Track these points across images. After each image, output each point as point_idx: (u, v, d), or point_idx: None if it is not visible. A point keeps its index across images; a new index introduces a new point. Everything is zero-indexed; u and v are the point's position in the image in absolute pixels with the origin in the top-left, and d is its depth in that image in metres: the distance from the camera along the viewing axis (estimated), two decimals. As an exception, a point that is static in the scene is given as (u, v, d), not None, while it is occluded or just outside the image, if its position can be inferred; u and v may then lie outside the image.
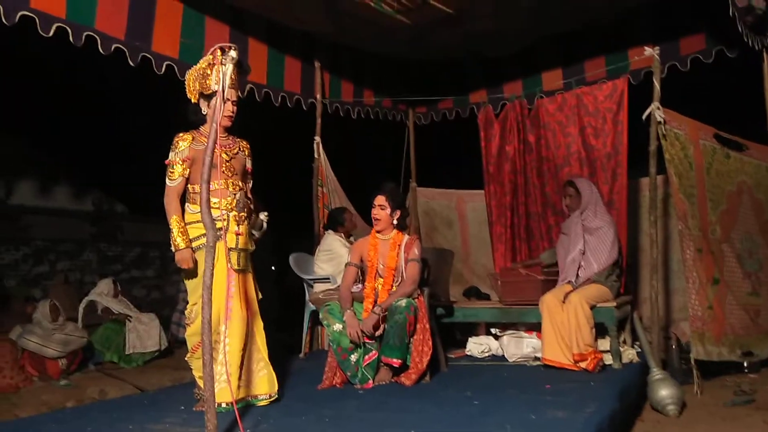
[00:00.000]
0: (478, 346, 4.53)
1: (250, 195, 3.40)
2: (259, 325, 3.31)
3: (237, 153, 3.32)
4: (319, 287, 4.92)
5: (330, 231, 5.11)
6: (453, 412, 2.94)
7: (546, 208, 5.12)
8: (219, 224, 3.09)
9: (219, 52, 2.79)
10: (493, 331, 4.62)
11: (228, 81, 2.72)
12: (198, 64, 3.14)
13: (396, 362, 3.60)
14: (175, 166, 3.18)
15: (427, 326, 3.71)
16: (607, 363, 4.01)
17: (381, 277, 3.84)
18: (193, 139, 3.20)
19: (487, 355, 4.53)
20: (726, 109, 5.69)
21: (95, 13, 3.89)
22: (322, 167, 5.49)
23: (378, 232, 3.89)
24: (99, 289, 6.31)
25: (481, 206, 5.63)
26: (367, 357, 3.67)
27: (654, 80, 4.30)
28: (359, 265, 3.95)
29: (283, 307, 5.86)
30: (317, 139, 5.47)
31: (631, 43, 5.16)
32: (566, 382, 3.60)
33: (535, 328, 4.25)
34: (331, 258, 4.92)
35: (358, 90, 6.04)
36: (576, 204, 4.32)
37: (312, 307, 4.95)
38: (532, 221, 5.22)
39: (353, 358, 3.66)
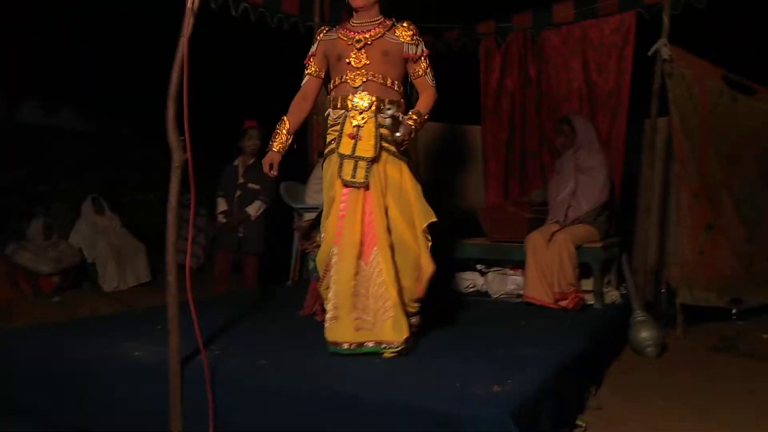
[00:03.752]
0: (463, 281, 4.52)
1: (395, 87, 2.86)
2: (386, 256, 2.69)
3: (378, 37, 2.83)
4: (308, 216, 4.89)
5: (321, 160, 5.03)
6: (419, 347, 2.89)
7: (542, 146, 4.99)
8: (334, 134, 2.82)
9: None
10: (478, 267, 4.59)
11: None
12: None
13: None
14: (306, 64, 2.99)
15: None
16: (589, 303, 4.00)
17: None
18: (329, 30, 2.93)
19: (471, 290, 4.52)
20: (741, 53, 5.44)
21: None
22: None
23: None
24: (83, 216, 6.18)
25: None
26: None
27: (663, 15, 4.09)
28: None
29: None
30: (315, 64, 5.30)
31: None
32: (543, 319, 3.60)
33: (521, 265, 4.21)
34: (321, 187, 4.85)
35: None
36: (570, 142, 4.20)
37: (301, 235, 4.94)
38: (528, 159, 5.10)
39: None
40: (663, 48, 4.04)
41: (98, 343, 2.83)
